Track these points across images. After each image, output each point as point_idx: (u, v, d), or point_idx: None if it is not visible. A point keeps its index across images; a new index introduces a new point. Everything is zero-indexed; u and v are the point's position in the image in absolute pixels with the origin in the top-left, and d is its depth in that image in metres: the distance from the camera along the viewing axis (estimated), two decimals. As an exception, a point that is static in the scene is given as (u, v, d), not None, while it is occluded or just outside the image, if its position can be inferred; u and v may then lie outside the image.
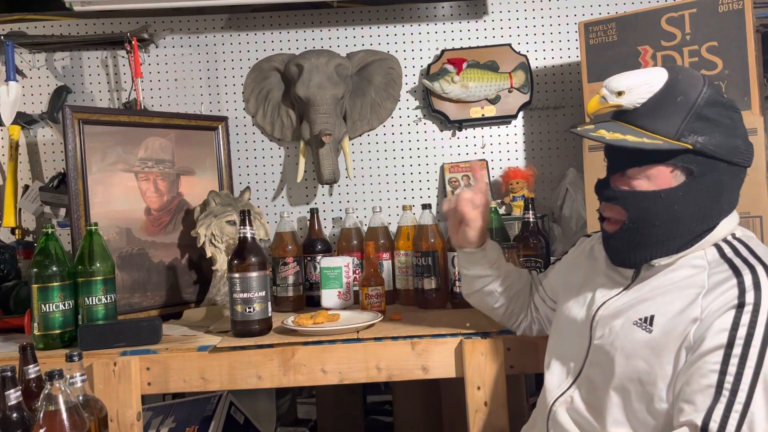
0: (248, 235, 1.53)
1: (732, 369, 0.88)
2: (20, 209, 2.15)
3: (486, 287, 1.36)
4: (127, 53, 2.08)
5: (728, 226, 1.03)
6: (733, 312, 0.91)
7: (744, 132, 1.03)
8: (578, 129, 1.08)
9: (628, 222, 1.03)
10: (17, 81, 1.99)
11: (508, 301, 1.37)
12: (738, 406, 0.86)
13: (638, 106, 1.03)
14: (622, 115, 1.05)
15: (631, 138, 1.00)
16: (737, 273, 0.95)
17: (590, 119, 1.15)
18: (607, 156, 1.10)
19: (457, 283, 1.76)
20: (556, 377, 1.15)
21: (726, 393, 0.87)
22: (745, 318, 0.89)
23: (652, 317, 0.99)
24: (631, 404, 0.99)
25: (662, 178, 1.01)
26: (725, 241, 1.02)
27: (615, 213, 1.06)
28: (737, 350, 0.88)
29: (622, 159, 1.04)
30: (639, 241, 1.03)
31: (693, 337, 0.93)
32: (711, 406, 0.87)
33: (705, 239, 1.01)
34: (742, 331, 0.89)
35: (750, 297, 0.91)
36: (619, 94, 1.04)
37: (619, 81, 1.05)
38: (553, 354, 1.19)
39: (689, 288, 0.98)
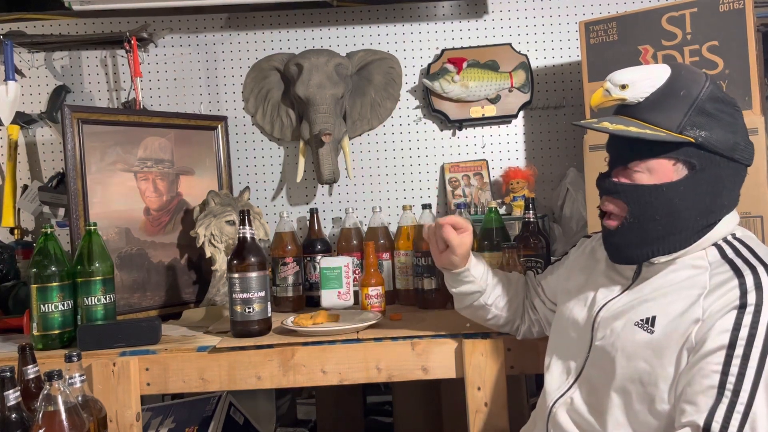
0: (248, 235, 1.53)
1: (734, 369, 0.88)
2: (19, 209, 2.15)
3: (476, 302, 1.34)
4: (127, 53, 2.08)
5: (728, 225, 1.03)
6: (734, 313, 0.91)
7: (744, 130, 1.03)
8: (582, 122, 1.09)
9: (629, 217, 1.03)
10: (16, 80, 1.99)
11: (501, 311, 1.36)
12: (740, 407, 0.86)
13: (641, 100, 1.03)
14: (625, 110, 1.06)
15: (633, 129, 1.01)
16: (739, 274, 0.95)
17: (594, 114, 1.15)
18: (608, 150, 1.10)
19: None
20: (556, 378, 1.15)
21: (728, 393, 0.87)
22: (747, 319, 0.90)
23: (653, 318, 0.99)
24: (632, 405, 0.99)
25: (664, 171, 1.01)
26: (726, 241, 1.02)
27: (616, 207, 1.06)
28: (739, 351, 0.88)
29: (624, 152, 1.05)
30: (640, 236, 1.03)
31: (695, 337, 0.93)
32: (713, 406, 0.87)
33: (705, 237, 1.01)
34: (744, 332, 0.89)
35: (752, 298, 0.91)
36: (623, 87, 1.04)
37: (623, 74, 1.05)
38: (553, 355, 1.19)
39: (691, 289, 0.98)
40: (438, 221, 1.25)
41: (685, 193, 0.99)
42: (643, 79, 1.03)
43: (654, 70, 1.04)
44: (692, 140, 0.98)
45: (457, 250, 1.24)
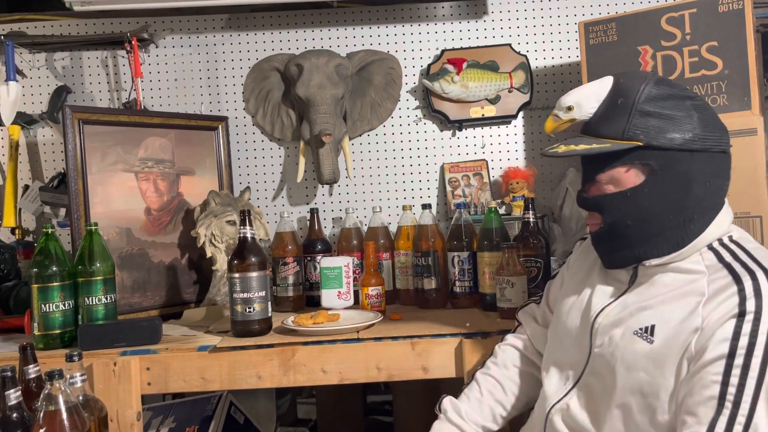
0: (248, 235, 1.53)
1: (734, 380, 0.86)
2: (20, 209, 2.15)
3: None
4: (127, 53, 2.08)
5: (723, 225, 1.02)
6: (734, 321, 0.89)
7: (705, 117, 1.00)
8: (543, 150, 1.12)
9: (603, 225, 1.06)
10: (17, 81, 1.99)
11: (511, 414, 1.28)
12: (741, 418, 0.85)
13: (591, 116, 1.07)
14: (585, 128, 1.10)
15: (581, 147, 1.04)
16: (737, 279, 0.92)
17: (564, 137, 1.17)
18: (581, 168, 1.12)
19: (457, 283, 1.76)
20: (553, 383, 1.14)
21: (729, 405, 0.86)
22: (747, 327, 0.88)
23: (652, 327, 0.97)
24: (633, 417, 0.98)
25: (625, 178, 1.02)
26: (722, 243, 1.00)
27: (594, 219, 1.09)
28: (739, 360, 0.87)
29: (589, 168, 1.08)
30: (620, 241, 1.05)
31: (694, 347, 0.91)
32: (714, 418, 0.86)
33: (699, 238, 0.99)
34: (743, 341, 0.87)
35: (751, 305, 0.89)
36: (569, 109, 1.10)
37: (567, 97, 1.12)
38: (551, 360, 1.17)
39: (689, 296, 0.96)
40: None
41: (651, 194, 1.00)
42: (586, 98, 1.08)
43: (596, 87, 1.08)
44: (639, 143, 1.00)
45: None
